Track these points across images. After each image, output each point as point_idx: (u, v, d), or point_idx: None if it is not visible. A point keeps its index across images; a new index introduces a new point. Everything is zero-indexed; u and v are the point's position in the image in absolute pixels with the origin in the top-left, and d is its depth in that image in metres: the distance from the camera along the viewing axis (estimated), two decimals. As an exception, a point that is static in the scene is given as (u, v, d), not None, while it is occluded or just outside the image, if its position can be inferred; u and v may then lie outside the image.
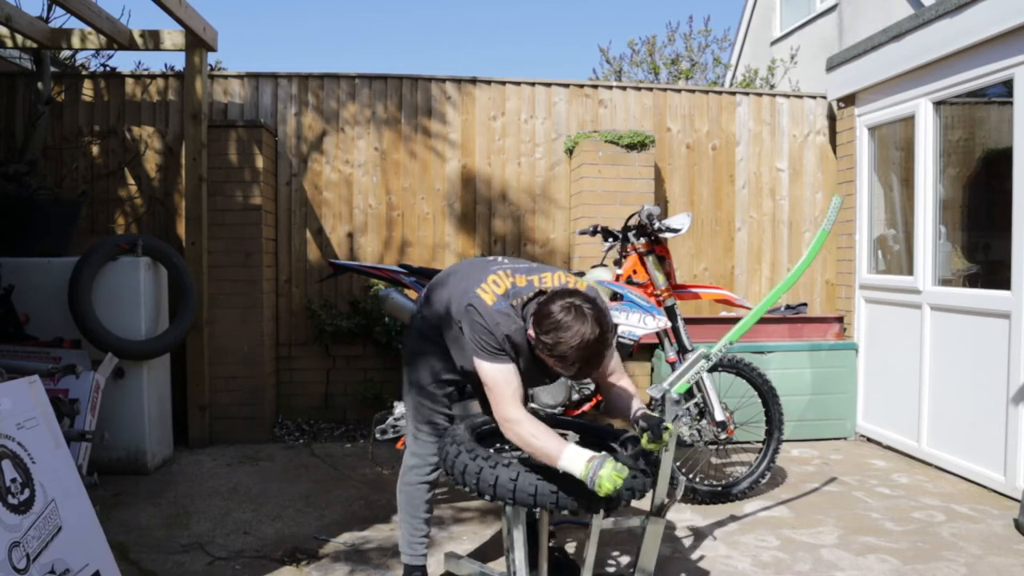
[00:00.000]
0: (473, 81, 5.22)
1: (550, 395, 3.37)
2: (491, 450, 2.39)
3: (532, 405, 3.33)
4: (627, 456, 2.17)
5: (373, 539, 3.17)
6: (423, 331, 2.54)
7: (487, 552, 3.04)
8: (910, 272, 4.52)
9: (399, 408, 2.91)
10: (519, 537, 2.30)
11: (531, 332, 2.20)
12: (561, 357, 2.13)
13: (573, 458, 2.08)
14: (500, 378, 2.23)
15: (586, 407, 3.48)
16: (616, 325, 2.32)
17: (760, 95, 5.54)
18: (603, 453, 2.10)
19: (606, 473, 2.03)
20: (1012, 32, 3.63)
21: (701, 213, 5.41)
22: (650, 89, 5.42)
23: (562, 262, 5.25)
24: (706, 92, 5.50)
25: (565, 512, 2.17)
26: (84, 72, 5.03)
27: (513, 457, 2.44)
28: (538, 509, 2.17)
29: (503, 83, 5.26)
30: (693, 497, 3.60)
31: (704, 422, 3.51)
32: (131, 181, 4.95)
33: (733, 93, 5.55)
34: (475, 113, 5.22)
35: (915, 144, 4.41)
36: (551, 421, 2.77)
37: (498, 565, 2.85)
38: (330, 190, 5.09)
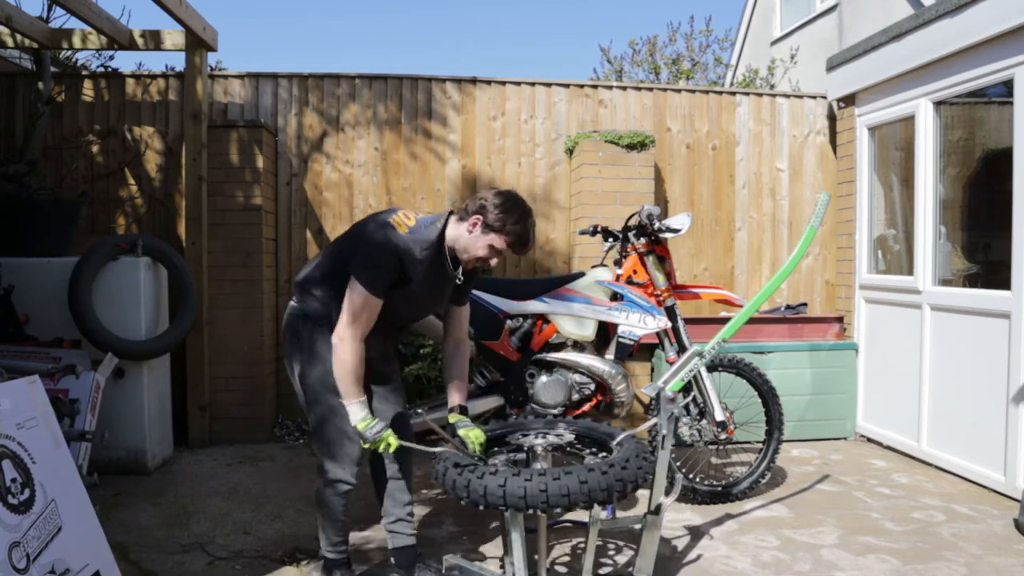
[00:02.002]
0: (473, 81, 5.22)
1: (550, 395, 3.37)
2: (480, 457, 2.41)
3: (531, 405, 3.33)
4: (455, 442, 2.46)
5: (373, 539, 3.17)
6: (317, 320, 2.49)
7: (487, 552, 3.04)
8: (910, 272, 4.52)
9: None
10: (517, 539, 2.30)
11: (470, 228, 2.38)
12: (518, 236, 2.38)
13: (357, 407, 2.39)
14: (367, 306, 2.35)
15: (586, 407, 3.48)
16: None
17: (760, 95, 5.54)
18: (382, 424, 2.43)
19: (381, 444, 2.39)
20: (1012, 32, 3.63)
21: (701, 213, 5.41)
22: (650, 89, 5.42)
23: (562, 262, 5.25)
24: (706, 92, 5.50)
25: (557, 511, 2.18)
26: (84, 72, 5.03)
27: (503, 463, 2.45)
28: (531, 511, 2.18)
29: (503, 83, 5.26)
30: (693, 497, 3.60)
31: (704, 422, 3.51)
32: (131, 181, 4.95)
33: (733, 93, 5.55)
34: (475, 113, 5.22)
35: (915, 144, 4.41)
36: (553, 422, 2.77)
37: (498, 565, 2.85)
38: (330, 190, 5.09)
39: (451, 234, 2.44)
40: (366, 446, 2.42)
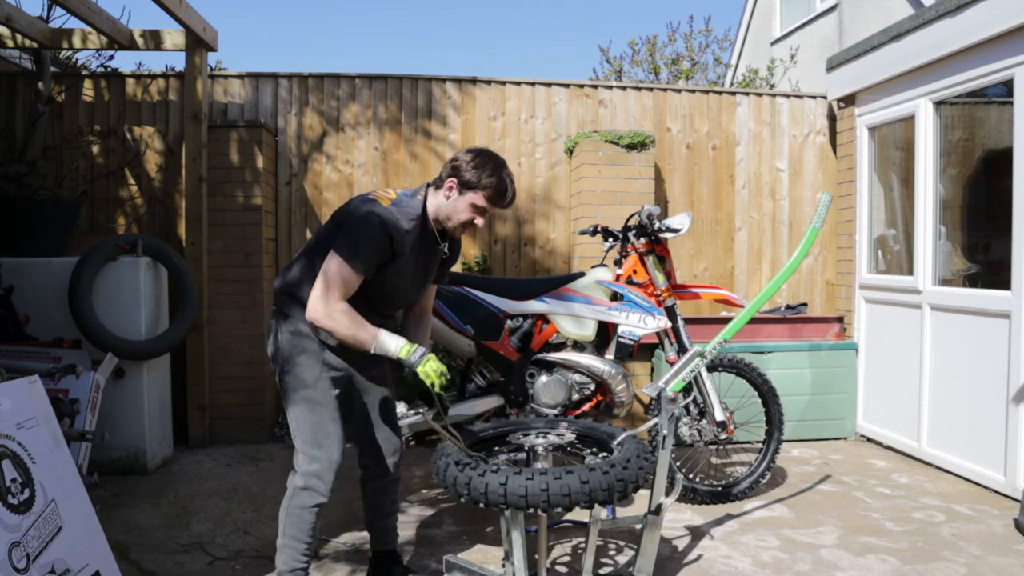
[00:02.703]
0: (473, 81, 5.22)
1: (550, 395, 3.37)
2: (482, 455, 2.40)
3: (532, 405, 3.33)
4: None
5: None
6: (296, 324, 2.37)
7: (488, 552, 3.04)
8: (910, 272, 4.52)
9: (399, 408, 2.89)
10: (517, 539, 2.30)
11: (447, 194, 2.35)
12: (495, 188, 2.35)
13: (387, 339, 2.28)
14: (342, 277, 2.24)
15: (586, 407, 3.48)
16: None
17: (760, 95, 5.54)
18: (423, 350, 2.30)
19: (434, 367, 2.27)
20: (1012, 32, 3.63)
21: (701, 213, 5.41)
22: (650, 89, 5.42)
23: (562, 262, 5.25)
24: (706, 92, 5.50)
25: (558, 510, 2.18)
26: (84, 72, 5.03)
27: (505, 461, 2.45)
28: (532, 510, 2.18)
29: (503, 83, 5.26)
30: (693, 497, 3.60)
31: (704, 422, 3.51)
32: (131, 181, 4.95)
33: (733, 93, 5.55)
34: (475, 113, 5.22)
35: (915, 144, 4.41)
36: (554, 422, 2.77)
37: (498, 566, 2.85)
38: (330, 190, 5.09)
39: (432, 205, 2.40)
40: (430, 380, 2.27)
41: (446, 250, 2.51)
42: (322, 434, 2.38)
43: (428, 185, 2.43)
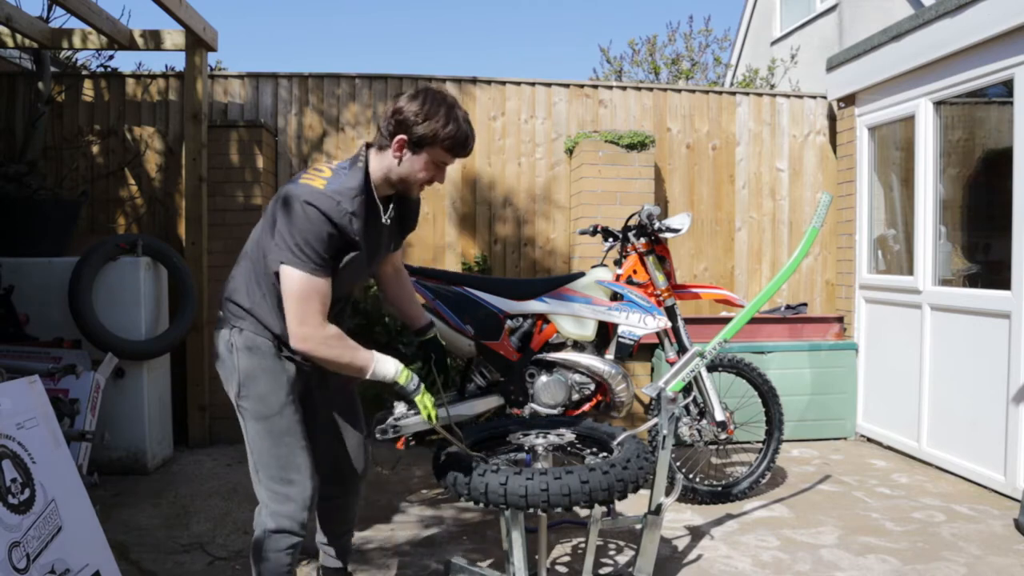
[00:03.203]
0: (473, 81, 5.22)
1: (550, 395, 3.37)
2: (482, 455, 2.40)
3: (532, 405, 3.33)
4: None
5: (373, 539, 3.17)
6: (252, 337, 2.06)
7: (488, 552, 3.04)
8: (910, 272, 4.52)
9: (399, 408, 2.91)
10: (517, 539, 2.30)
11: (396, 154, 2.00)
12: (454, 138, 1.98)
13: (384, 364, 2.06)
14: (313, 291, 1.92)
15: (586, 407, 3.48)
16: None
17: (760, 95, 5.54)
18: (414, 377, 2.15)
19: (430, 399, 2.14)
20: (1012, 32, 3.63)
21: (701, 213, 5.41)
22: (650, 89, 5.42)
23: (562, 262, 5.25)
24: (706, 92, 5.50)
25: (558, 510, 2.18)
26: (84, 72, 5.03)
27: (506, 461, 2.45)
28: (532, 510, 2.18)
29: (503, 83, 5.26)
30: (693, 497, 3.61)
31: (704, 422, 3.51)
32: (131, 181, 4.95)
33: (733, 93, 5.55)
34: (475, 113, 5.21)
35: (915, 144, 4.41)
36: (551, 422, 2.77)
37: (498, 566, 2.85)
38: (330, 190, 5.08)
39: (378, 169, 2.04)
40: (425, 413, 2.13)
41: (389, 218, 2.14)
42: (291, 469, 2.06)
43: (367, 146, 2.08)
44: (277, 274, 1.97)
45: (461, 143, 2.01)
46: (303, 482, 2.08)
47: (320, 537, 2.53)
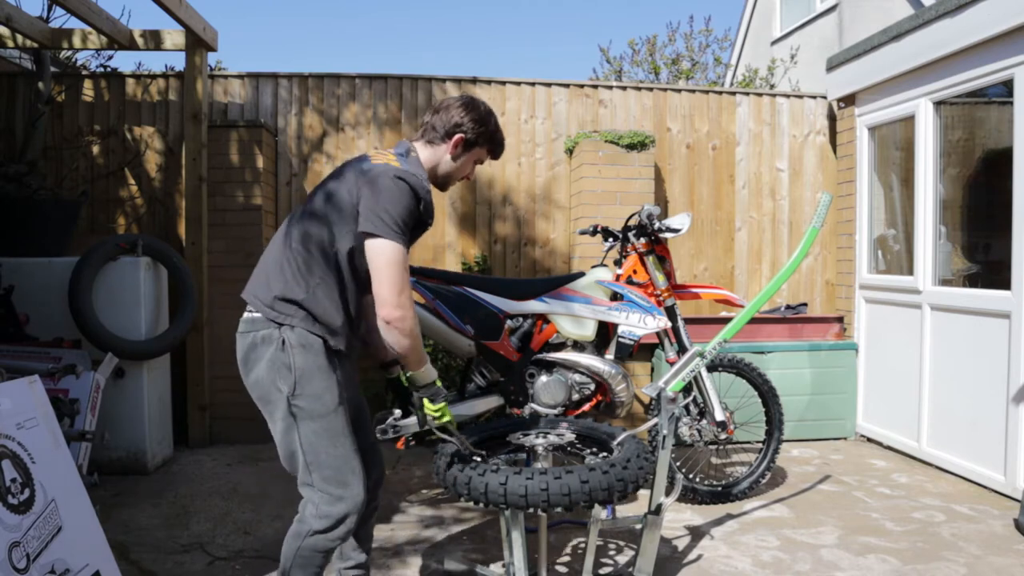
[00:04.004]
0: (473, 81, 5.22)
1: (550, 395, 3.37)
2: (482, 455, 2.40)
3: (532, 405, 3.33)
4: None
5: (374, 539, 3.17)
6: (305, 335, 2.01)
7: (488, 552, 3.04)
8: (910, 272, 4.52)
9: (396, 411, 2.92)
10: (517, 538, 2.30)
11: (452, 151, 2.19)
12: (500, 142, 2.28)
13: (430, 371, 2.12)
14: (401, 260, 1.97)
15: (586, 407, 3.48)
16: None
17: (760, 95, 5.54)
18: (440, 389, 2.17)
19: (445, 411, 2.14)
20: (1012, 32, 3.63)
21: (701, 213, 5.41)
22: (650, 89, 5.42)
23: (562, 262, 5.25)
24: (706, 92, 5.50)
25: (558, 510, 2.18)
26: (84, 72, 5.03)
27: (505, 461, 2.45)
28: (532, 510, 2.17)
29: (503, 83, 5.26)
30: (693, 497, 3.61)
31: (704, 422, 3.51)
32: (131, 181, 4.95)
33: (733, 93, 5.55)
34: (475, 113, 5.20)
35: (915, 144, 4.41)
36: (554, 422, 2.78)
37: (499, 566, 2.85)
38: (330, 190, 5.08)
39: (430, 162, 2.20)
40: (434, 416, 2.14)
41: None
42: (347, 471, 2.04)
43: (413, 141, 2.24)
44: (352, 251, 2.01)
45: (501, 145, 2.30)
46: (357, 485, 2.05)
47: (337, 563, 2.33)
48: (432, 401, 2.13)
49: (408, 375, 2.13)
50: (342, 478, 2.03)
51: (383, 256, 1.95)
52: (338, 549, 2.28)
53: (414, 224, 2.04)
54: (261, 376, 2.03)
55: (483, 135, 2.21)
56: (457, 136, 2.17)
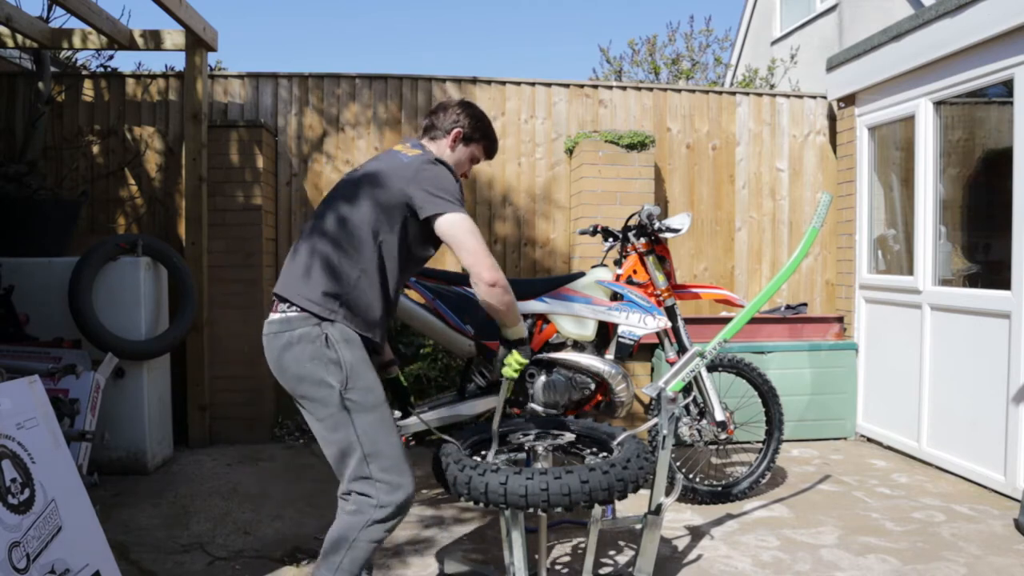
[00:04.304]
0: (473, 81, 5.22)
1: (550, 395, 3.37)
2: (482, 455, 2.40)
3: (531, 405, 3.33)
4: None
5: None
6: (346, 330, 2.05)
7: (488, 552, 3.04)
8: (910, 272, 4.52)
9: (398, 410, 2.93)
10: (517, 538, 2.30)
11: (451, 146, 2.32)
12: (494, 140, 2.43)
13: (523, 325, 2.27)
14: (475, 227, 2.09)
15: (586, 407, 3.48)
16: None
17: (760, 95, 5.54)
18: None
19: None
20: (1012, 32, 3.63)
21: (701, 213, 5.41)
22: (650, 89, 5.42)
23: (562, 262, 5.25)
24: (706, 92, 5.50)
25: (558, 510, 2.18)
26: (84, 72, 5.03)
27: (505, 461, 2.45)
28: (532, 510, 2.17)
29: (503, 83, 5.26)
30: (693, 497, 3.60)
31: (704, 422, 3.51)
32: (131, 181, 4.95)
33: (733, 93, 5.55)
34: (475, 113, 5.21)
35: (915, 144, 4.41)
36: (554, 422, 2.78)
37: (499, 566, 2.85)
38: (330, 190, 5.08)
39: (436, 155, 2.29)
40: (510, 371, 2.27)
41: None
42: (402, 458, 2.08)
43: (419, 139, 2.37)
44: (399, 239, 2.08)
45: (495, 142, 2.44)
46: (410, 473, 2.10)
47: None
48: (523, 356, 2.26)
49: (505, 333, 2.26)
50: (400, 467, 2.06)
51: (460, 227, 2.05)
52: None
53: None
54: (305, 373, 2.03)
55: (479, 129, 2.35)
56: (456, 131, 2.32)
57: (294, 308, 2.06)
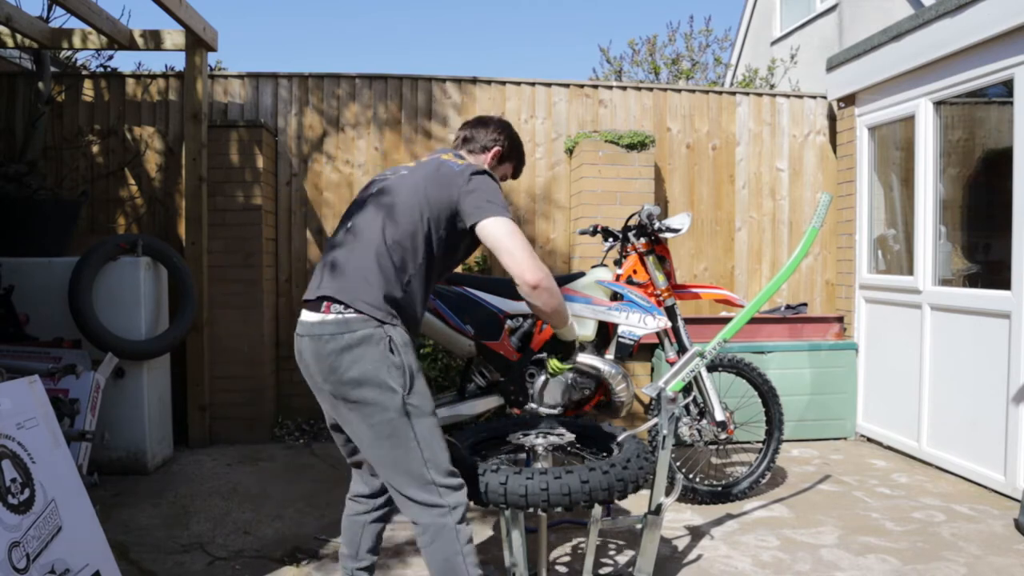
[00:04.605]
0: (473, 81, 5.22)
1: (550, 395, 3.37)
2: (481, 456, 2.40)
3: (532, 405, 3.33)
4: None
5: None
6: (404, 335, 2.04)
7: (488, 552, 3.04)
8: (910, 272, 4.52)
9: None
10: (517, 538, 2.30)
11: (491, 160, 2.40)
12: (521, 157, 2.53)
13: (574, 326, 2.34)
14: (519, 229, 2.15)
15: (586, 407, 3.48)
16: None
17: (760, 95, 5.54)
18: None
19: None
20: (1012, 32, 3.63)
21: (701, 213, 5.41)
22: (650, 89, 5.42)
23: (562, 262, 5.25)
24: (706, 92, 5.50)
25: (558, 510, 2.18)
26: (84, 72, 5.03)
27: (505, 462, 2.45)
28: (532, 510, 2.17)
29: (503, 83, 5.26)
30: (693, 497, 3.60)
31: (704, 422, 3.51)
32: (131, 181, 4.95)
33: (733, 93, 5.55)
34: (475, 113, 5.21)
35: (915, 144, 4.41)
36: (552, 422, 2.77)
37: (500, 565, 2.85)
38: (331, 190, 5.09)
39: None
40: (565, 366, 2.46)
41: None
42: (451, 461, 2.07)
43: (456, 150, 2.41)
44: (446, 241, 2.13)
45: (523, 163, 2.56)
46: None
47: (349, 563, 2.31)
48: (561, 360, 2.45)
49: (556, 334, 2.35)
50: (453, 469, 2.06)
51: (503, 229, 2.09)
52: (355, 547, 2.29)
53: None
54: (367, 376, 1.97)
55: (515, 150, 2.46)
56: (495, 149, 2.40)
57: (351, 310, 2.00)
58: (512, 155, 2.46)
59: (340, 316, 2.00)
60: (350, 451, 2.25)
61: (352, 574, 2.30)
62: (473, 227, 2.10)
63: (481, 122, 2.44)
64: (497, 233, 2.09)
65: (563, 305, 2.19)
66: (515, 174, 2.54)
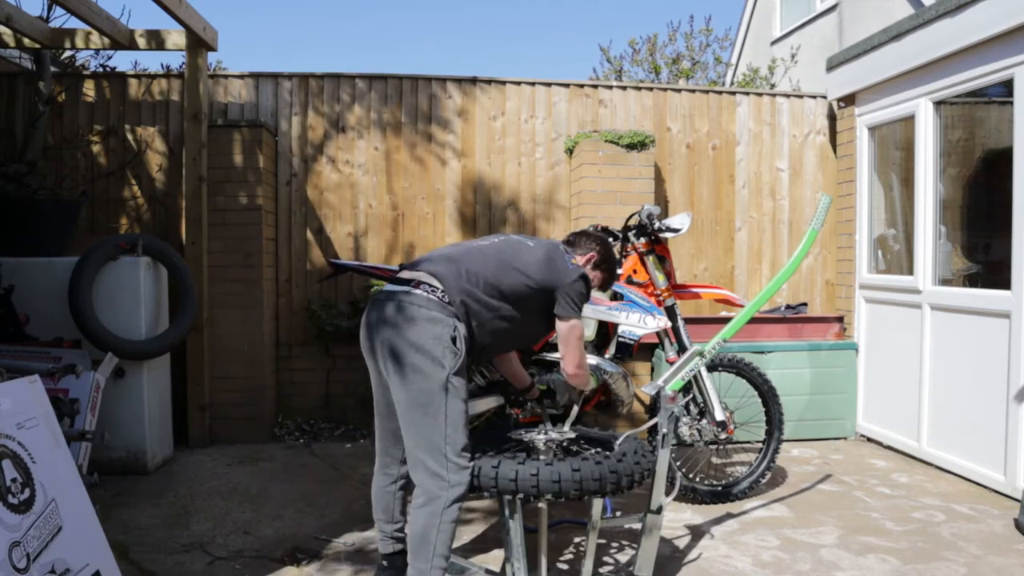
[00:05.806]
0: (473, 81, 5.22)
1: (551, 395, 3.37)
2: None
3: (531, 405, 3.33)
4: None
5: (374, 539, 3.16)
6: (462, 328, 2.32)
7: (488, 552, 3.04)
8: (910, 272, 4.52)
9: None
10: (515, 527, 2.30)
11: (585, 263, 2.72)
12: (615, 270, 2.90)
13: (579, 390, 2.85)
14: (582, 334, 2.59)
15: (586, 407, 3.48)
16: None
17: (760, 95, 5.54)
18: None
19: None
20: (1012, 32, 3.63)
21: (701, 213, 5.41)
22: (650, 89, 5.42)
23: (562, 262, 5.24)
24: (706, 92, 5.50)
25: (549, 497, 2.18)
26: (85, 72, 5.03)
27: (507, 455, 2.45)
28: (524, 497, 2.17)
29: (503, 83, 5.26)
30: (693, 497, 3.60)
31: (704, 422, 3.51)
32: (132, 181, 4.95)
33: (733, 93, 5.55)
34: (476, 113, 5.22)
35: (915, 144, 4.41)
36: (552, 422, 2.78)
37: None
38: (331, 191, 5.09)
39: None
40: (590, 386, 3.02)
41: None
42: (469, 447, 2.32)
43: (565, 244, 2.79)
44: (532, 313, 2.53)
45: (613, 278, 2.92)
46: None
47: (387, 527, 2.63)
48: (547, 405, 2.99)
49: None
50: (467, 453, 2.29)
51: (574, 332, 2.54)
52: (390, 513, 2.62)
53: None
54: (424, 345, 2.26)
55: (606, 261, 2.82)
56: (591, 255, 2.77)
57: (439, 292, 2.33)
58: (603, 266, 2.80)
59: (435, 296, 2.32)
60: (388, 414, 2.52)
61: (391, 535, 2.61)
62: (556, 316, 2.52)
63: (585, 234, 2.85)
64: (568, 332, 2.54)
65: (587, 385, 2.79)
66: (603, 287, 2.89)
